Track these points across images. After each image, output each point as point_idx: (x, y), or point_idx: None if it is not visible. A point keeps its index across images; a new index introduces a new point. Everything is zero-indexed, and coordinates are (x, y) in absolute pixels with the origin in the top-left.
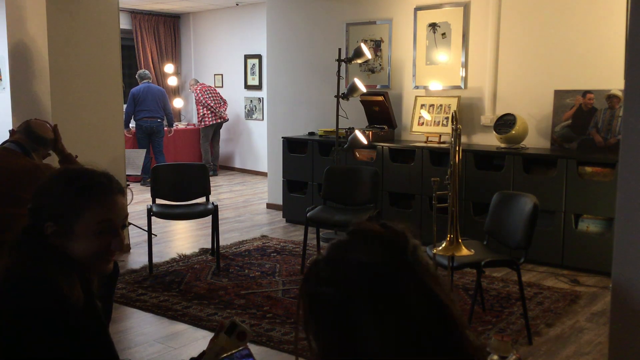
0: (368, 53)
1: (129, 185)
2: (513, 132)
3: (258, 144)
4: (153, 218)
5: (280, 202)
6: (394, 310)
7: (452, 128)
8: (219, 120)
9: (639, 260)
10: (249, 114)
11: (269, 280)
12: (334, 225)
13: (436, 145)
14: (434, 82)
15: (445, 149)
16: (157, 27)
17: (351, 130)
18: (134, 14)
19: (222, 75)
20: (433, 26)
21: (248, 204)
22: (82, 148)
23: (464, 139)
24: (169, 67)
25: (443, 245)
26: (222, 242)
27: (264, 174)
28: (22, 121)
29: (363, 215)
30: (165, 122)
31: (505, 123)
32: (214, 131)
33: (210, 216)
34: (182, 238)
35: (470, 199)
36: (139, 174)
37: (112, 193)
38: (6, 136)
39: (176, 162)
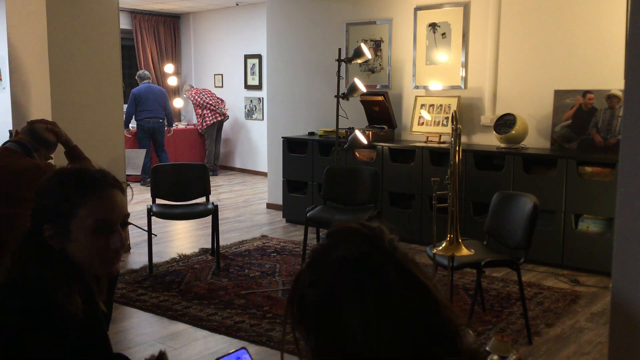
0: (368, 53)
1: (129, 184)
2: (513, 132)
3: (258, 144)
4: (153, 218)
5: (280, 202)
6: (379, 302)
7: (452, 128)
8: (220, 118)
9: (639, 260)
10: (249, 114)
11: (269, 280)
12: None
13: (436, 145)
14: (434, 82)
15: (445, 149)
16: (157, 27)
17: (351, 130)
18: (134, 14)
19: (222, 75)
20: (433, 26)
21: (248, 204)
22: (82, 148)
23: (464, 139)
24: (169, 67)
25: (443, 245)
26: (222, 242)
27: (264, 174)
28: (22, 121)
29: (363, 215)
30: (165, 122)
31: (505, 123)
32: (216, 130)
33: (210, 216)
34: (182, 238)
35: (470, 199)
36: (139, 174)
37: (107, 188)
38: (6, 136)
39: (176, 162)
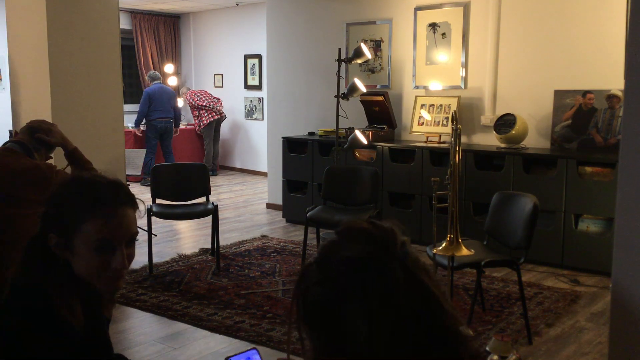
0: (368, 53)
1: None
2: (513, 132)
3: (258, 144)
4: (153, 218)
5: (280, 202)
6: (383, 304)
7: (452, 128)
8: (217, 117)
9: (639, 260)
10: (249, 114)
11: (269, 280)
12: (334, 225)
13: (436, 145)
14: (434, 82)
15: (445, 149)
16: (157, 27)
17: (351, 130)
18: (134, 14)
19: (222, 75)
20: (433, 26)
21: (248, 204)
22: (82, 148)
23: (464, 139)
24: (169, 67)
25: (443, 245)
26: (222, 242)
27: (264, 174)
28: (22, 121)
29: (363, 215)
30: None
31: (505, 123)
32: (214, 130)
33: (210, 216)
34: (182, 238)
35: (470, 199)
36: (139, 174)
37: (116, 206)
38: (6, 136)
39: (176, 162)
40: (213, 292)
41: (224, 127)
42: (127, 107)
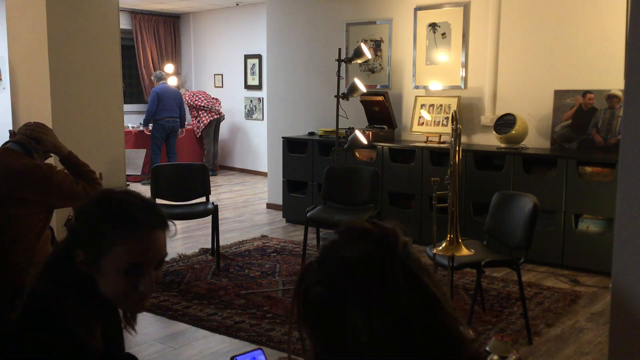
0: (368, 53)
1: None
2: (513, 132)
3: (258, 144)
4: None
5: (280, 202)
6: (384, 305)
7: (452, 128)
8: (216, 116)
9: (639, 260)
10: (249, 114)
11: (269, 280)
12: (334, 225)
13: (436, 145)
14: (434, 82)
15: (445, 149)
16: (157, 27)
17: (351, 130)
18: (134, 14)
19: (222, 75)
20: (433, 26)
21: (248, 204)
22: (82, 148)
23: (464, 139)
24: (169, 67)
25: (443, 245)
26: (222, 242)
27: (264, 174)
28: (22, 121)
29: (363, 215)
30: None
31: (505, 123)
32: (213, 129)
33: (210, 216)
34: (182, 238)
35: (470, 199)
36: (139, 174)
37: (148, 230)
38: (6, 136)
39: (176, 162)
40: (213, 292)
41: (224, 127)
42: (127, 107)
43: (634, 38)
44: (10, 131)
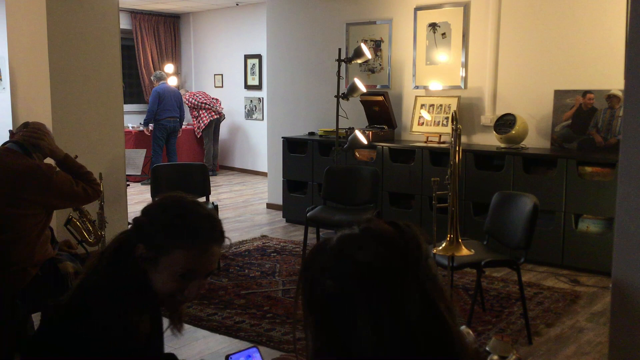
0: (368, 53)
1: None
2: (513, 132)
3: (258, 143)
4: None
5: (280, 202)
6: (394, 318)
7: (452, 128)
8: (216, 116)
9: (639, 260)
10: (249, 114)
11: (269, 280)
12: (334, 225)
13: (436, 145)
14: (434, 82)
15: (445, 149)
16: (157, 27)
17: (351, 130)
18: (134, 14)
19: (222, 75)
20: (433, 26)
21: (248, 204)
22: (82, 148)
23: (464, 139)
24: (169, 67)
25: (443, 245)
26: None
27: (264, 174)
28: (21, 121)
29: (363, 215)
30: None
31: (505, 123)
32: (213, 129)
33: None
34: None
35: (470, 199)
36: (139, 173)
37: (210, 242)
38: (6, 136)
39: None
40: (213, 292)
41: (224, 127)
42: (127, 107)
43: (634, 38)
44: (10, 131)
